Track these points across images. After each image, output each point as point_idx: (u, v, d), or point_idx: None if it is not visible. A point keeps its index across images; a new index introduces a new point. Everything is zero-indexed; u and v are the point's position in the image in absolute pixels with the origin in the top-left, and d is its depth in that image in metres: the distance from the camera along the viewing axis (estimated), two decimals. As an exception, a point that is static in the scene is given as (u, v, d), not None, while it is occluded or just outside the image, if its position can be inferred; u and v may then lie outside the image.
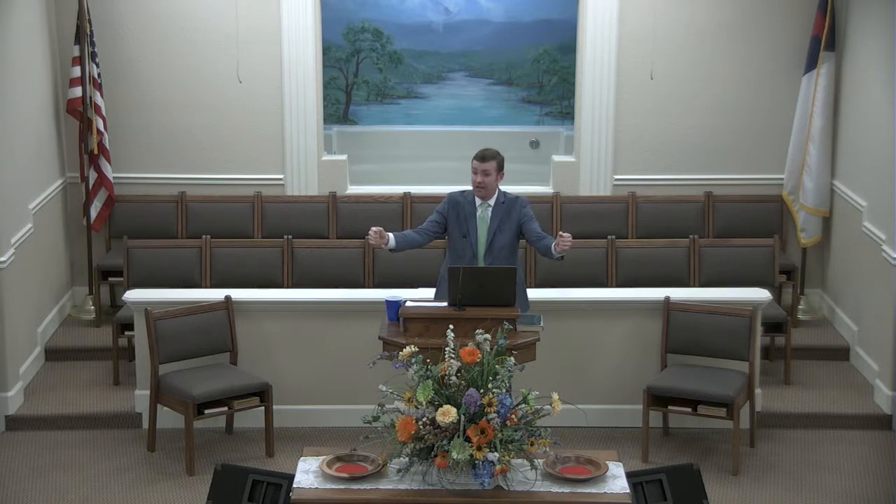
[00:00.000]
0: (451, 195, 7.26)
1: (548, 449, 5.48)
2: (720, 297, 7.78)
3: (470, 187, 7.19)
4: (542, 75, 9.78)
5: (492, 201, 7.15)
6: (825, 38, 8.95)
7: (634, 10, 9.30)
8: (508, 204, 7.18)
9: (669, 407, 7.37)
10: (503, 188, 7.22)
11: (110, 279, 9.03)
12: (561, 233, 6.89)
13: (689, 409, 7.29)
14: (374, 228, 6.98)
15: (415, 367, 5.49)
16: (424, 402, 5.41)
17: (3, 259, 7.77)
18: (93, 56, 8.99)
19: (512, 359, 5.59)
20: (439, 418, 5.33)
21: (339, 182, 9.53)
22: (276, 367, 7.74)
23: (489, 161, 7.09)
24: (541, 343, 6.83)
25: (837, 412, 7.96)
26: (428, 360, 5.51)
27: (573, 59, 9.59)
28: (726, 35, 9.36)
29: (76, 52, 8.94)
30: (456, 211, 7.16)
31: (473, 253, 7.14)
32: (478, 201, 7.16)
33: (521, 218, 7.16)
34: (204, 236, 8.55)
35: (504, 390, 5.46)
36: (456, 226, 7.16)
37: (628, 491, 5.46)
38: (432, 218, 7.24)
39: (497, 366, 5.49)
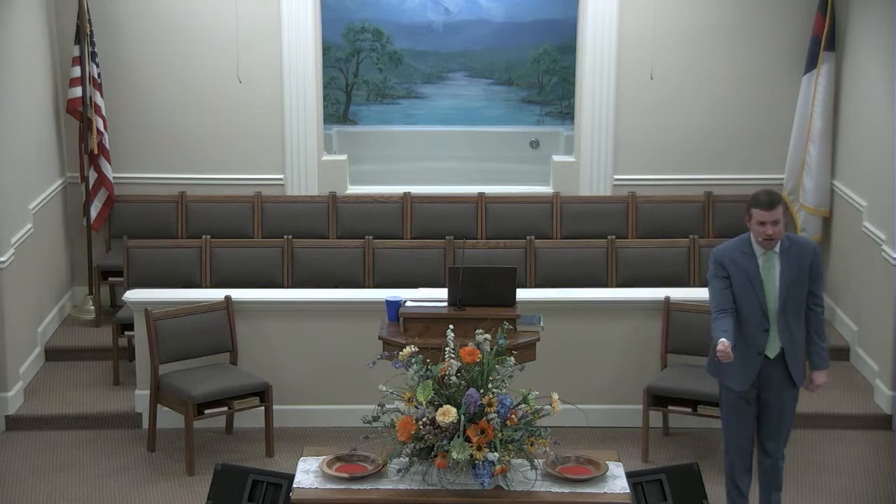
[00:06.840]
0: (716, 254, 6.11)
1: (548, 449, 5.49)
2: (720, 297, 7.77)
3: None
4: (542, 75, 9.78)
5: (777, 247, 6.05)
6: (825, 38, 8.95)
7: (634, 10, 9.29)
8: (797, 248, 6.06)
9: (669, 407, 7.36)
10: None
11: (110, 279, 9.02)
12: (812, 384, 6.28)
13: (689, 409, 7.28)
14: (720, 349, 5.82)
15: (415, 367, 5.49)
16: (424, 402, 5.41)
17: (3, 259, 7.77)
18: (93, 56, 8.99)
19: (512, 359, 5.59)
20: (439, 418, 5.33)
21: (339, 182, 9.52)
22: (276, 367, 7.73)
23: (777, 207, 5.92)
24: (541, 343, 6.83)
25: (837, 412, 7.96)
26: (428, 360, 5.51)
27: (573, 59, 9.59)
28: (726, 35, 9.36)
29: (76, 52, 8.94)
30: (733, 268, 6.05)
31: (763, 310, 6.03)
32: (758, 250, 6.05)
33: (811, 269, 6.07)
34: (204, 236, 8.54)
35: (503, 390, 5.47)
36: (739, 284, 6.04)
37: (628, 491, 5.46)
38: (720, 287, 6.05)
39: (497, 366, 5.49)
